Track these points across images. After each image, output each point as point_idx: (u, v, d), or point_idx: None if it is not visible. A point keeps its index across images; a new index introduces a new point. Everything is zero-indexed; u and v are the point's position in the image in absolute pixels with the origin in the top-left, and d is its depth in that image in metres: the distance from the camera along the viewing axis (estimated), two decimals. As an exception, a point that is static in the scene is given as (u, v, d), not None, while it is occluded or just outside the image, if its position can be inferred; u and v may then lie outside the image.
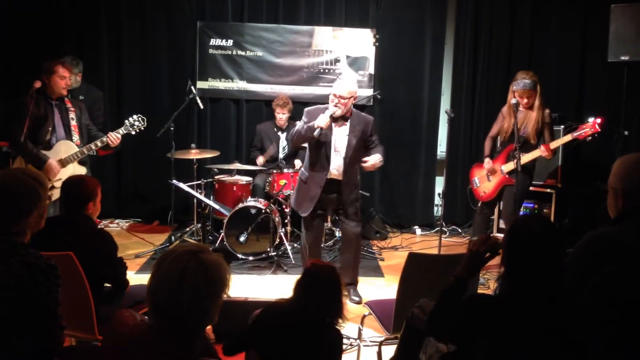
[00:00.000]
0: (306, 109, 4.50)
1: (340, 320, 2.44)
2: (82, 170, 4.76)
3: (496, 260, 2.18)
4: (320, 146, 4.36)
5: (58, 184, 4.60)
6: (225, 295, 1.85)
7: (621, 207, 2.20)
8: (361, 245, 4.89)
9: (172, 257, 1.77)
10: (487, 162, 5.18)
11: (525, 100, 4.91)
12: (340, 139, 4.38)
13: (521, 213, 5.84)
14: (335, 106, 4.27)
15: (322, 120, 4.21)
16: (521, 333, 1.90)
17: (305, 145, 4.53)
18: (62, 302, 2.16)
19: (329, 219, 5.92)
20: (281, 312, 2.47)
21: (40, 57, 5.20)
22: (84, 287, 2.78)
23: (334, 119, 4.31)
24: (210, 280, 1.77)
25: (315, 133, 4.22)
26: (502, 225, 6.13)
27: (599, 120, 4.82)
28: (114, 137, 4.78)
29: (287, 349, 2.35)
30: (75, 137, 4.79)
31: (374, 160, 4.34)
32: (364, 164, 4.37)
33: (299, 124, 4.44)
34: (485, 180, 5.26)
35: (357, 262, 4.67)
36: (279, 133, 6.36)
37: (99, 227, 3.20)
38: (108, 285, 3.23)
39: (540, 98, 4.93)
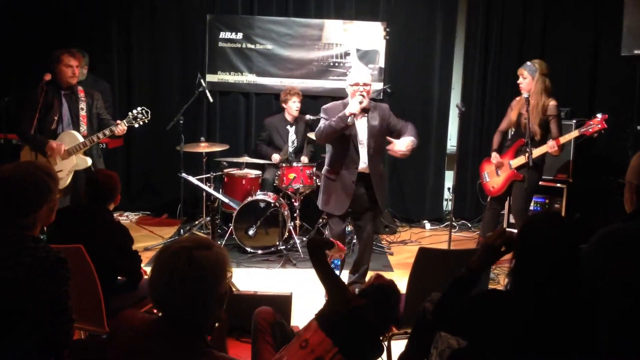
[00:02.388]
0: (323, 107, 4.37)
1: (386, 336, 2.58)
2: (87, 162, 4.76)
3: (507, 255, 2.16)
4: (346, 140, 4.24)
5: (61, 175, 4.61)
6: (222, 290, 1.83)
7: (636, 203, 2.16)
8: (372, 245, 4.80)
9: (167, 254, 1.77)
10: (495, 156, 5.14)
11: (519, 80, 4.94)
12: (362, 131, 4.27)
13: (532, 208, 5.82)
14: (360, 95, 4.15)
15: (353, 107, 4.08)
16: (532, 331, 1.88)
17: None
18: (72, 295, 2.15)
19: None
20: (358, 315, 2.56)
21: (49, 49, 5.20)
22: (94, 280, 2.79)
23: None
24: (201, 278, 1.75)
25: (350, 120, 4.07)
26: (512, 220, 6.07)
27: (606, 117, 4.78)
28: (120, 129, 4.75)
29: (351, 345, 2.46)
30: (83, 127, 4.79)
31: (402, 144, 4.15)
32: (389, 148, 4.18)
33: (322, 122, 4.26)
34: (495, 175, 5.22)
35: (369, 261, 4.61)
36: (288, 127, 6.34)
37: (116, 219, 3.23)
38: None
39: (540, 86, 4.86)
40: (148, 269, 5.02)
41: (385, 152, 4.34)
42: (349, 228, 5.89)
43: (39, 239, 2.15)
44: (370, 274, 4.64)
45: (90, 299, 2.80)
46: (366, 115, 4.27)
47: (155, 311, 1.85)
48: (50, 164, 4.19)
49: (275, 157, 6.17)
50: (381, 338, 2.67)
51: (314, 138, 4.87)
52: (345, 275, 4.48)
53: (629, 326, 1.96)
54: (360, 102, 4.13)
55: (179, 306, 1.74)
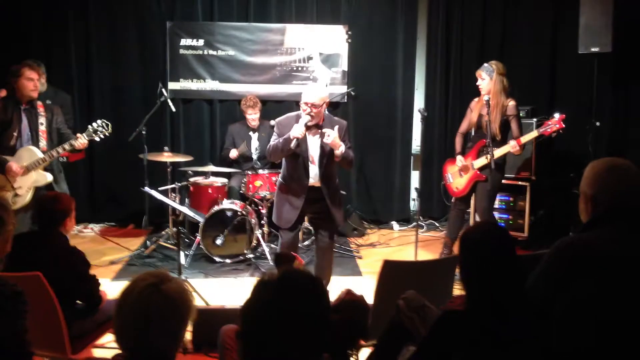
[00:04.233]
0: (276, 121, 4.36)
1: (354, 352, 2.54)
2: (47, 177, 4.67)
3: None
4: (296, 157, 4.22)
5: (21, 192, 4.55)
6: (192, 317, 1.84)
7: (591, 213, 2.20)
8: (333, 256, 4.75)
9: (134, 296, 1.74)
10: (460, 159, 5.19)
11: (477, 82, 5.02)
12: (314, 148, 4.24)
13: (497, 207, 5.91)
14: (308, 114, 4.10)
15: (297, 131, 4.04)
16: (488, 345, 1.90)
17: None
18: (33, 322, 2.11)
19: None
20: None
21: (6, 62, 5.08)
22: (54, 306, 2.73)
23: (308, 128, 4.13)
24: (176, 311, 1.76)
25: (292, 145, 4.04)
26: (478, 218, 6.14)
27: (563, 117, 4.87)
28: (79, 143, 4.67)
29: None
30: (43, 142, 4.69)
31: (335, 138, 4.07)
32: (327, 130, 4.10)
33: (273, 139, 4.27)
34: (458, 176, 5.27)
35: (330, 273, 4.59)
36: (250, 133, 6.29)
37: (71, 245, 3.15)
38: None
39: (498, 87, 4.91)
40: (115, 284, 4.96)
41: (340, 169, 4.36)
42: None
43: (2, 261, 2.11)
44: (333, 281, 4.65)
45: (51, 326, 2.75)
46: (320, 131, 4.21)
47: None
48: (3, 197, 4.11)
49: (233, 153, 6.18)
50: (349, 352, 2.67)
51: None
52: None
53: (589, 337, 1.99)
54: (307, 123, 4.08)
55: (151, 344, 1.72)
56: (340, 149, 4.13)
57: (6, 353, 2.02)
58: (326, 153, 4.23)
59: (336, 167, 4.42)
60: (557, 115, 4.91)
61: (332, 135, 4.08)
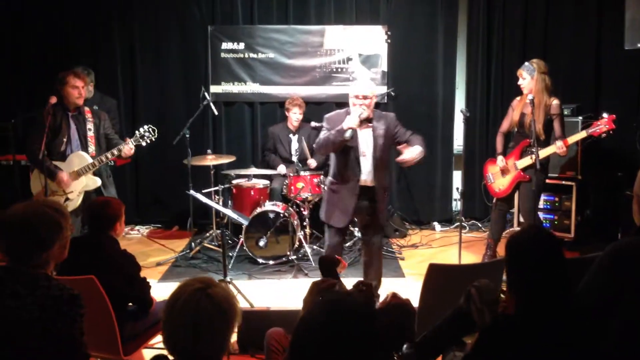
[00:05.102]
0: (326, 116, 4.31)
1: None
2: (96, 182, 4.81)
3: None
4: (348, 152, 4.16)
5: (72, 196, 4.71)
6: (238, 320, 1.88)
7: (644, 216, 2.17)
8: (382, 257, 4.72)
9: (182, 300, 1.78)
10: (501, 160, 5.13)
11: (519, 81, 4.97)
12: (366, 142, 4.18)
13: (541, 207, 5.82)
14: (360, 107, 4.07)
15: (352, 121, 4.00)
16: (539, 351, 1.89)
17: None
18: (87, 324, 2.18)
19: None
20: None
21: (55, 69, 5.24)
22: (107, 309, 2.82)
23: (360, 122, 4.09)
24: (224, 314, 1.80)
25: (347, 135, 3.98)
26: (522, 219, 6.07)
27: (613, 117, 4.73)
28: (127, 149, 4.82)
29: None
30: (92, 148, 4.83)
31: (410, 153, 4.09)
32: (400, 159, 4.13)
33: (323, 133, 4.21)
34: (500, 176, 5.20)
35: (381, 275, 4.57)
36: (290, 135, 6.34)
37: (122, 248, 3.24)
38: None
39: (540, 85, 4.85)
40: (161, 285, 5.05)
41: (392, 162, 4.28)
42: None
43: (52, 277, 2.18)
44: (382, 287, 4.64)
45: (105, 328, 2.84)
46: (370, 125, 4.18)
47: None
48: (61, 204, 4.26)
49: (282, 169, 6.18)
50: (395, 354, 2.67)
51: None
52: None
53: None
54: (360, 115, 4.04)
55: (201, 348, 1.76)
56: (419, 152, 4.10)
57: (64, 355, 2.10)
58: (378, 146, 4.18)
59: (387, 169, 4.38)
60: (606, 115, 4.77)
61: (407, 155, 4.08)
